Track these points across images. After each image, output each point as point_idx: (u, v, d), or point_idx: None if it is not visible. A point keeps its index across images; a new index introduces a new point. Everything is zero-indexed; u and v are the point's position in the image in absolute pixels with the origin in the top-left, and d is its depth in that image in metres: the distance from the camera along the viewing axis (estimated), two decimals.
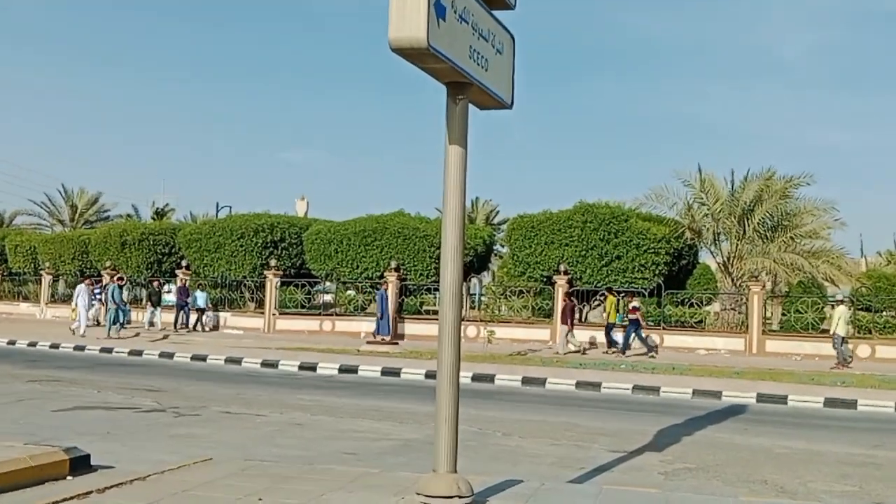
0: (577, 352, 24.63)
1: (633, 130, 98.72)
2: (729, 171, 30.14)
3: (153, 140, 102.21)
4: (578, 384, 17.48)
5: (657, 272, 28.38)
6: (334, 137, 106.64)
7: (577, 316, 26.75)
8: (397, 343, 25.82)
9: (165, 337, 27.17)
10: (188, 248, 35.11)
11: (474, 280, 35.63)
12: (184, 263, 33.85)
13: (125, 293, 28.81)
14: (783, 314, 28.30)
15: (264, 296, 31.59)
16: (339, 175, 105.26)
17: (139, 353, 22.39)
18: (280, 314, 30.88)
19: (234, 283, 33.52)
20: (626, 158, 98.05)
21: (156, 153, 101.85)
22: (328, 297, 33.81)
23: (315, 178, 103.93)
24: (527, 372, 18.97)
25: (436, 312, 27.01)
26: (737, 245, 28.96)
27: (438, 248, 27.13)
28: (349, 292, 33.29)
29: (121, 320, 27.10)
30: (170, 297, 32.26)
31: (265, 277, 31.59)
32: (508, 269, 31.14)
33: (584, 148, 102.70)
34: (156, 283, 31.20)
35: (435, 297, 32.09)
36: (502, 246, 49.91)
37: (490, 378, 18.10)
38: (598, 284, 28.61)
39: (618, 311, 25.79)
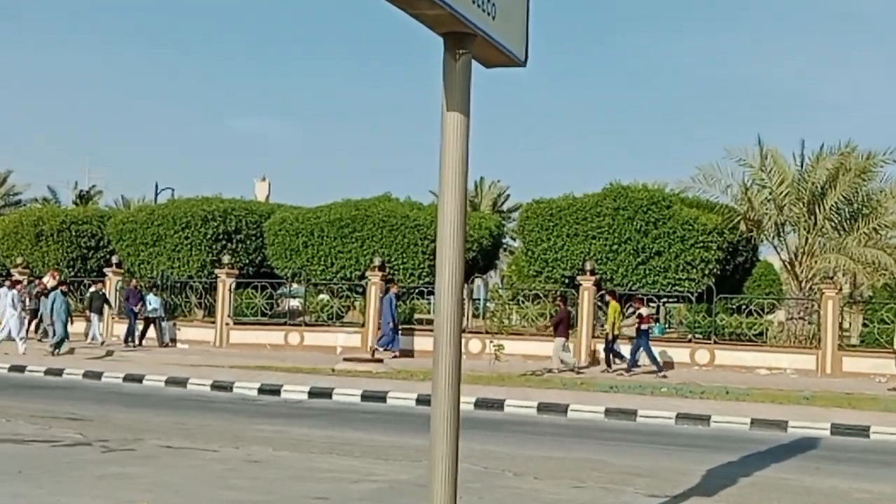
0: (571, 370, 24.74)
1: (677, 97, 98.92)
2: (795, 147, 29.85)
3: (73, 107, 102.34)
4: (608, 412, 17.46)
5: (707, 272, 28.37)
6: (300, 103, 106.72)
7: (572, 325, 26.97)
8: (382, 361, 25.81)
9: (109, 354, 27.04)
10: (120, 240, 35.09)
11: (478, 282, 35.75)
12: (114, 260, 33.81)
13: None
14: (864, 325, 28.35)
15: (216, 301, 31.58)
16: (307, 150, 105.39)
17: (58, 371, 22.37)
18: (235, 324, 30.90)
19: (178, 286, 33.51)
20: (668, 132, 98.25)
21: (77, 123, 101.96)
22: (295, 303, 33.91)
23: (278, 154, 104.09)
24: (544, 396, 18.94)
25: (430, 322, 26.97)
26: (806, 238, 28.86)
27: (433, 240, 27.01)
28: (321, 296, 33.33)
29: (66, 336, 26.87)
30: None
31: (217, 278, 31.58)
32: (521, 268, 31.19)
33: (616, 118, 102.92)
34: (99, 286, 30.95)
35: (429, 303, 32.14)
36: (513, 239, 50.09)
37: (498, 404, 18.08)
38: (634, 287, 28.61)
39: (623, 318, 26.18)
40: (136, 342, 29.45)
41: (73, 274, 35.78)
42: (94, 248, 36.74)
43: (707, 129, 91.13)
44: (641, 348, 25.05)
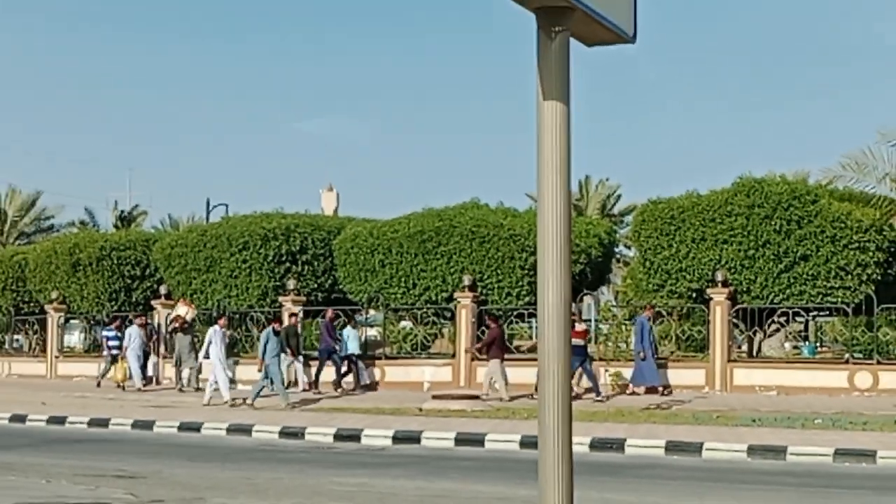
0: (499, 399, 25.34)
1: (819, 68, 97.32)
2: None
3: (111, 117, 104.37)
4: (751, 450, 17.26)
5: (865, 278, 27.89)
6: (372, 100, 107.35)
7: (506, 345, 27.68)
8: (478, 397, 25.88)
9: (317, 400, 26.99)
10: (168, 267, 35.64)
11: (588, 300, 35.56)
12: (162, 291, 34.38)
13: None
14: None
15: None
16: (379, 152, 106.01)
17: (104, 423, 22.82)
18: (307, 359, 31.07)
19: (237, 317, 33.91)
20: (806, 112, 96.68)
21: (116, 135, 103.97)
22: (373, 333, 34.08)
23: (346, 159, 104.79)
24: (672, 433, 18.81)
25: (532, 349, 27.01)
26: None
27: (532, 253, 27.07)
28: (403, 324, 33.45)
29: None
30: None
31: (281, 306, 31.92)
32: (638, 282, 31.04)
33: (741, 100, 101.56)
34: (293, 321, 29.60)
35: (530, 327, 32.10)
36: (627, 247, 49.83)
37: (618, 445, 18.01)
38: (776, 299, 28.24)
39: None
40: (340, 385, 28.89)
41: (116, 308, 36.50)
42: (139, 277, 37.37)
43: (857, 104, 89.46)
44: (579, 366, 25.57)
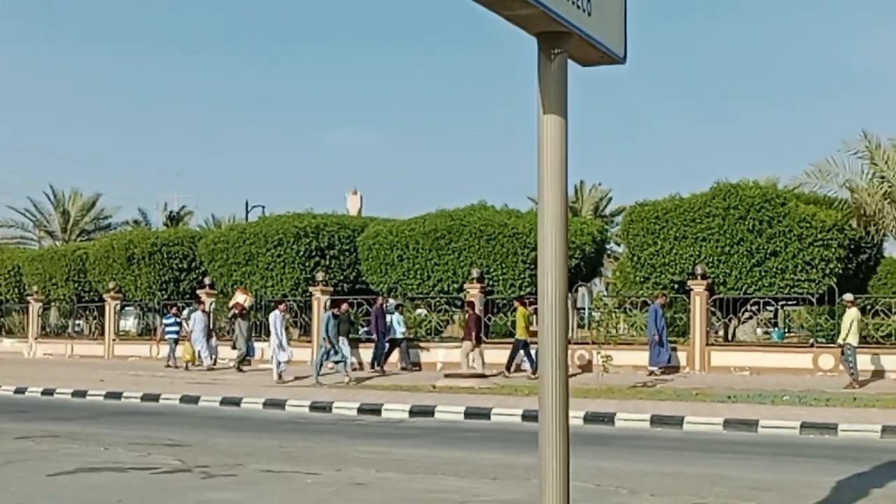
0: (482, 376, 25.52)
1: (787, 86, 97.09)
2: None
3: (161, 128, 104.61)
4: (727, 423, 17.24)
5: (828, 271, 27.80)
6: (391, 112, 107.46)
7: (482, 329, 27.94)
8: (485, 376, 25.89)
9: (377, 376, 26.97)
10: (212, 261, 35.79)
11: (582, 290, 35.59)
12: (206, 281, 34.50)
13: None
14: None
15: (310, 319, 31.94)
16: (398, 159, 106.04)
17: (155, 397, 22.90)
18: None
19: (272, 305, 33.89)
20: (777, 124, 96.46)
21: (166, 143, 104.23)
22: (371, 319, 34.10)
23: (368, 165, 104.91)
24: (656, 408, 18.80)
25: (533, 334, 26.97)
26: None
27: (533, 249, 27.08)
28: (419, 311, 33.47)
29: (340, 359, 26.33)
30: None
31: (311, 296, 31.96)
32: (626, 275, 30.93)
33: (721, 112, 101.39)
34: (345, 307, 28.86)
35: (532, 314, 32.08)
36: (617, 244, 49.83)
37: (608, 418, 18.00)
38: (749, 290, 28.19)
39: (528, 325, 26.46)
40: (381, 366, 28.56)
41: (165, 297, 36.66)
42: (185, 269, 37.49)
43: (821, 118, 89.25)
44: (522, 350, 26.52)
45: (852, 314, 23.86)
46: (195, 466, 12.48)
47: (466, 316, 27.31)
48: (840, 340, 23.77)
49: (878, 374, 25.26)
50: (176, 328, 32.56)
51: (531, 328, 26.05)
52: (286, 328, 28.20)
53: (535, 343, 22.73)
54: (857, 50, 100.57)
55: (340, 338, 27.06)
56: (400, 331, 29.30)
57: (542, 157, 5.71)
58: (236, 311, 30.13)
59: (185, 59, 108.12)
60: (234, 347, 30.37)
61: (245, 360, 29.84)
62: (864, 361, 25.45)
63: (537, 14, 5.30)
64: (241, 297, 30.41)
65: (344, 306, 28.55)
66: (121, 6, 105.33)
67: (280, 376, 26.08)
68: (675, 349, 27.39)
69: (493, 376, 25.79)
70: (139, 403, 22.69)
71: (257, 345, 30.60)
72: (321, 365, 25.95)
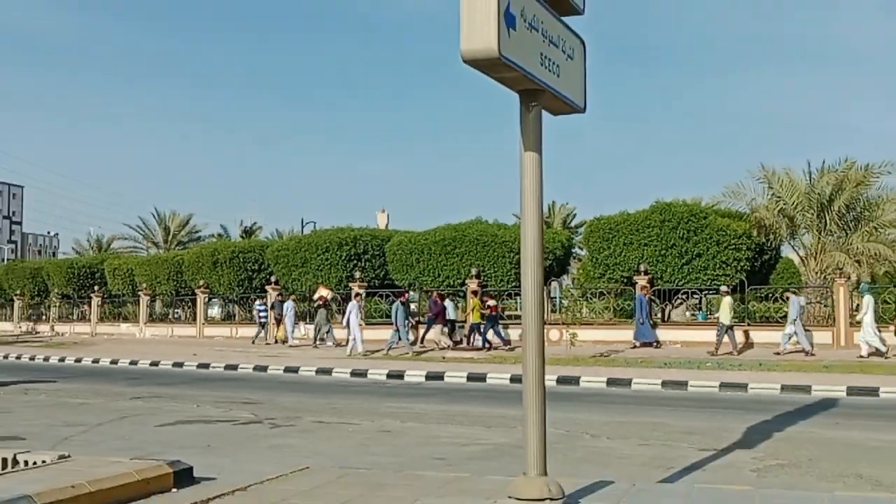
0: (446, 347, 25.95)
1: (709, 125, 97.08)
2: (807, 164, 29.38)
3: (239, 161, 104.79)
4: (664, 384, 17.19)
5: (739, 268, 27.75)
6: (409, 148, 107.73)
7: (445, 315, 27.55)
8: (485, 348, 25.83)
9: (425, 351, 25.96)
10: (276, 264, 35.79)
11: (554, 284, 35.41)
12: (273, 279, 34.55)
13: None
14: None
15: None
16: (416, 185, 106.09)
17: (234, 367, 22.90)
18: (367, 325, 31.10)
19: (349, 297, 33.82)
20: (703, 152, 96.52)
21: (244, 174, 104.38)
22: (412, 307, 34.00)
23: (394, 190, 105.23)
24: (611, 373, 18.75)
25: (518, 317, 26.92)
26: (818, 238, 28.31)
27: (517, 253, 26.88)
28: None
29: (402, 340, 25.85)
30: (260, 312, 32.83)
31: (350, 290, 31.93)
32: (588, 272, 30.84)
33: (659, 145, 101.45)
34: (405, 297, 27.33)
35: (516, 303, 31.98)
36: (581, 249, 49.53)
37: (575, 380, 17.95)
38: (680, 283, 28.14)
39: (482, 312, 26.42)
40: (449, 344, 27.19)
41: (242, 292, 36.67)
42: (256, 270, 37.43)
43: (736, 149, 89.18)
44: (491, 329, 26.12)
45: (727, 301, 23.88)
46: (265, 419, 12.47)
47: (434, 306, 26.93)
48: (724, 321, 23.72)
49: (777, 345, 25.12)
50: (266, 312, 32.57)
51: (482, 312, 26.42)
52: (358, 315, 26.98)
53: (483, 323, 22.55)
54: (764, 96, 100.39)
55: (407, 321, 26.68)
56: (452, 314, 28.53)
57: (524, 183, 5.71)
58: (321, 303, 29.85)
59: (255, 100, 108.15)
60: (316, 329, 29.78)
61: (322, 339, 29.25)
62: (770, 336, 25.45)
63: (519, 76, 5.30)
64: (325, 292, 30.26)
65: (403, 297, 27.21)
66: (224, 57, 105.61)
67: (352, 351, 25.58)
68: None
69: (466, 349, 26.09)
70: (222, 371, 22.69)
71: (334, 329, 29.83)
72: (395, 343, 25.62)
